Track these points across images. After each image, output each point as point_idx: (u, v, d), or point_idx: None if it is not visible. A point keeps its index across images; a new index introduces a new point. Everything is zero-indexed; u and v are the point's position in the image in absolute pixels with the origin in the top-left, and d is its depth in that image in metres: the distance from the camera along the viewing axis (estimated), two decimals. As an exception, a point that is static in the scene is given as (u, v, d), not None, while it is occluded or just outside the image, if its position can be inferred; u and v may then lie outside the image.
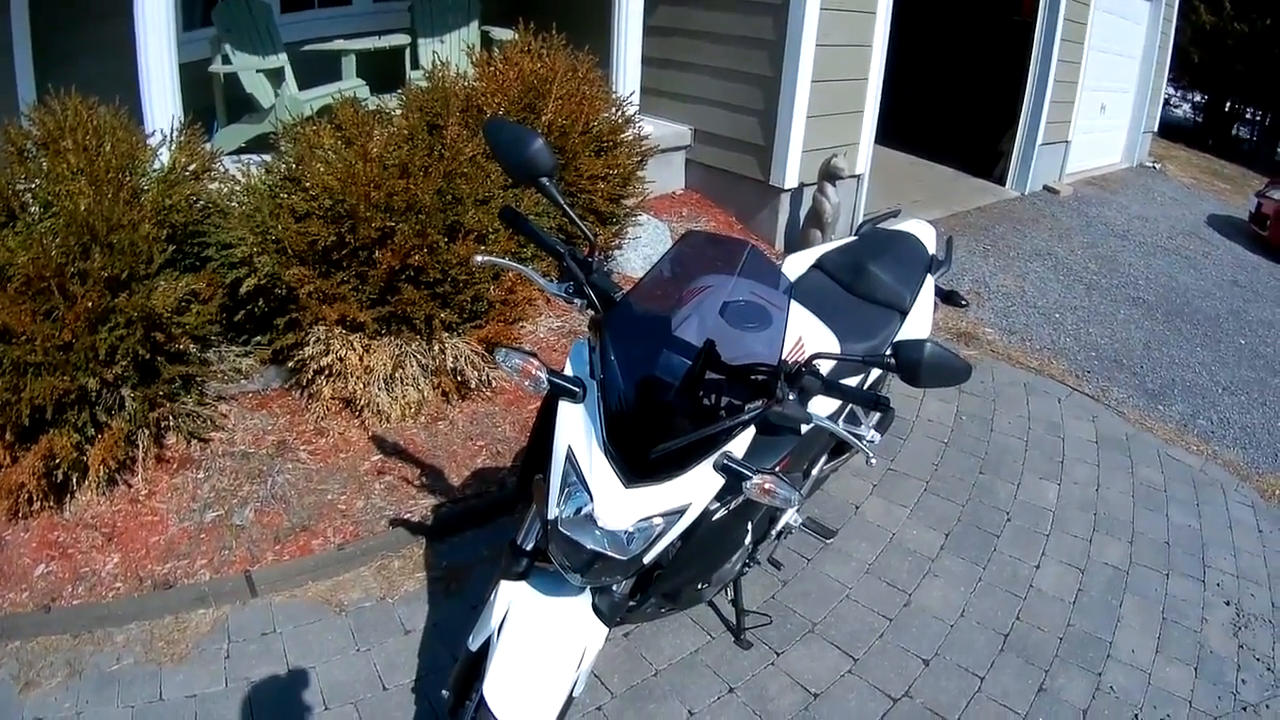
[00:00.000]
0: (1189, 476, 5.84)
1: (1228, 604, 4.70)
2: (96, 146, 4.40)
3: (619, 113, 6.67)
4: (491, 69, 6.13)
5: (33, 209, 4.17)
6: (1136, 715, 3.91)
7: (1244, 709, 4.05)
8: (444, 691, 2.96)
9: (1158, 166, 15.58)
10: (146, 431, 4.37)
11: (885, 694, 3.85)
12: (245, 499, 4.43)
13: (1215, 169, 17.87)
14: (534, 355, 2.54)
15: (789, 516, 3.75)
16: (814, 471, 3.99)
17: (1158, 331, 8.33)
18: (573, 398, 2.56)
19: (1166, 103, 19.60)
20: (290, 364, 4.95)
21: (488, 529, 4.51)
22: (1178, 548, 5.08)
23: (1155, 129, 16.00)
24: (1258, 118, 23.98)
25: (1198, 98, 25.64)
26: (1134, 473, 5.75)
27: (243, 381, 5.01)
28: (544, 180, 2.72)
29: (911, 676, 3.96)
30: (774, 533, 3.77)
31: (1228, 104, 23.86)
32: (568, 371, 2.66)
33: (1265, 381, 7.65)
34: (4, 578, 3.91)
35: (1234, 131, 24.45)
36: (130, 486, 4.37)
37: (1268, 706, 4.08)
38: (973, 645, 4.17)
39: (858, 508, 5.04)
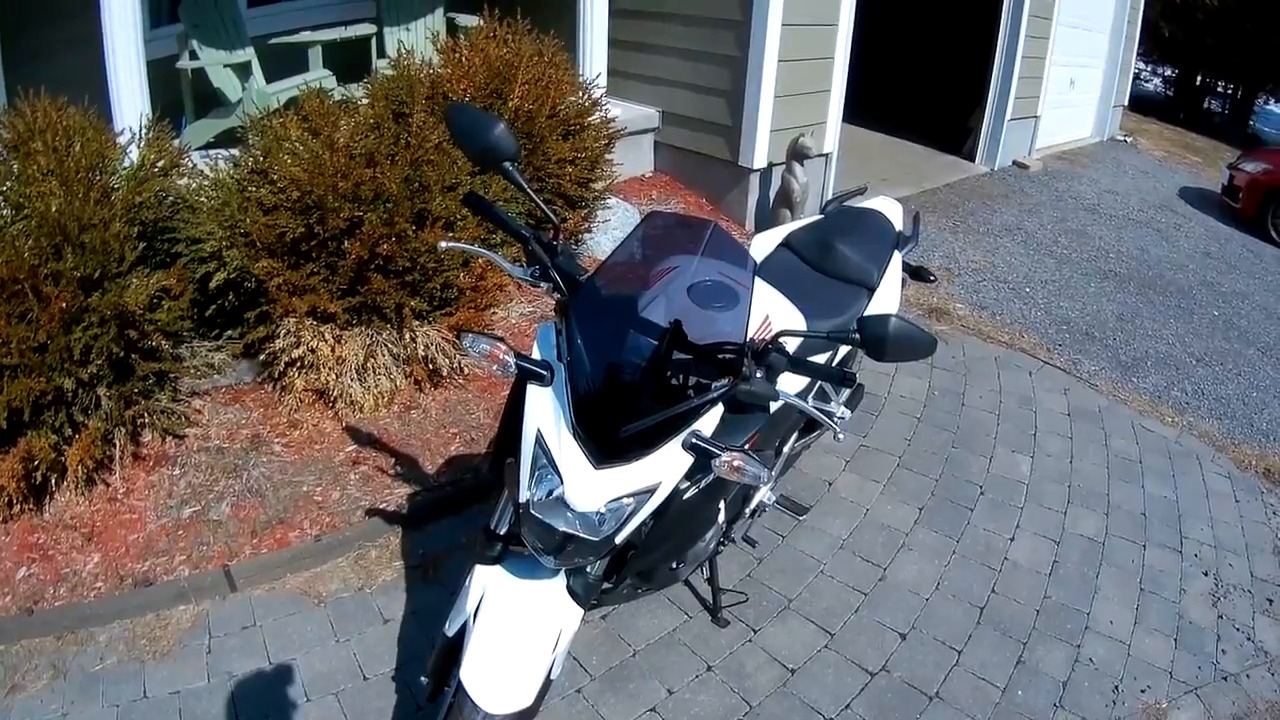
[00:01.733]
0: (1164, 448, 5.88)
1: (1206, 574, 4.74)
2: (66, 147, 4.39)
3: (586, 96, 6.66)
4: (457, 56, 6.12)
5: (4, 211, 4.16)
6: (1117, 686, 3.94)
7: (1224, 679, 4.09)
8: (423, 678, 2.98)
9: (1129, 140, 15.62)
10: (123, 430, 4.37)
11: (862, 668, 3.88)
12: (221, 494, 4.43)
13: (1187, 142, 17.91)
14: (501, 340, 2.54)
15: (762, 494, 3.77)
16: (785, 449, 4.00)
17: (1130, 304, 8.37)
18: (541, 381, 2.56)
19: (1137, 77, 19.64)
20: (262, 357, 4.95)
21: (464, 516, 4.52)
22: (1154, 519, 5.11)
23: (1125, 103, 16.04)
24: (1229, 91, 24.06)
25: (1168, 72, 25.68)
26: (1108, 445, 5.79)
27: (215, 376, 5.01)
28: (507, 165, 2.73)
29: (888, 650, 3.99)
30: (748, 511, 3.79)
31: (1199, 78, 23.91)
32: (535, 355, 2.67)
33: (1239, 352, 7.70)
34: (-15, 581, 3.91)
35: (1205, 105, 24.52)
36: (108, 485, 4.37)
37: (1248, 676, 4.12)
38: (949, 618, 4.20)
39: (831, 484, 5.07)
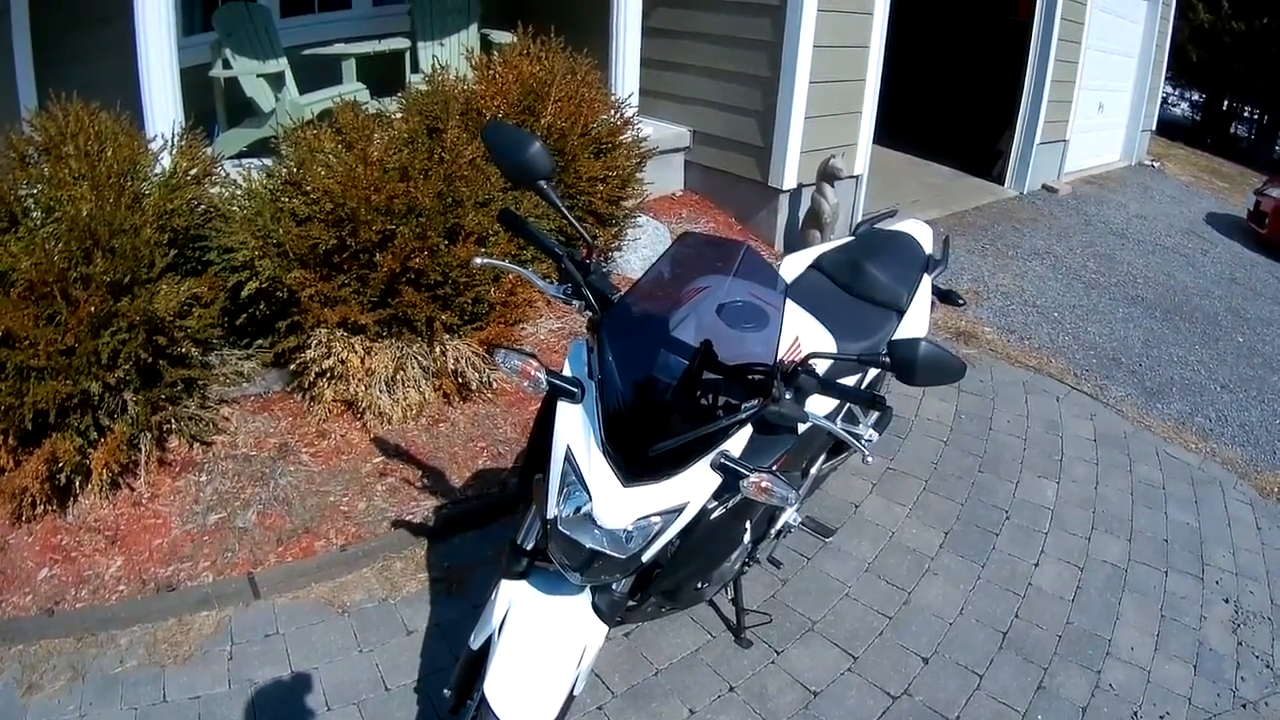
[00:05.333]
0: (1187, 474, 5.85)
1: (1226, 601, 4.71)
2: (98, 151, 4.42)
3: (618, 115, 6.68)
4: (491, 72, 6.15)
5: (35, 214, 4.19)
6: (1135, 713, 3.92)
7: (1243, 706, 4.06)
8: (445, 691, 2.99)
9: (1156, 165, 15.57)
10: (149, 435, 4.39)
11: (885, 692, 3.86)
12: (248, 501, 4.44)
13: (1214, 167, 17.83)
14: (533, 356, 2.56)
15: (788, 515, 3.76)
16: (813, 470, 4.00)
17: (1156, 330, 8.34)
18: (571, 398, 2.57)
19: (1164, 101, 19.56)
20: (292, 367, 4.97)
21: (489, 530, 4.53)
22: (1176, 545, 5.09)
23: (1153, 127, 15.98)
24: (1256, 116, 23.94)
25: (1196, 96, 25.60)
26: (1132, 470, 5.76)
27: (244, 385, 5.03)
28: (542, 183, 2.75)
29: (911, 674, 3.98)
30: (773, 532, 3.78)
31: (1226, 102, 23.82)
32: (566, 372, 2.68)
33: (1264, 379, 7.66)
34: (7, 581, 3.92)
35: (1232, 130, 24.40)
36: (133, 489, 4.39)
37: (1266, 704, 4.09)
38: (972, 643, 4.19)
39: (857, 506, 5.06)
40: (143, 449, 4.39)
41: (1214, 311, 9.19)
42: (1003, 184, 12.00)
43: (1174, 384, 7.23)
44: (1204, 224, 12.79)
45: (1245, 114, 24.49)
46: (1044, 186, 12.23)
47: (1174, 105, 26.00)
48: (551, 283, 2.96)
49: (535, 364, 2.54)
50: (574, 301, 2.85)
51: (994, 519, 5.09)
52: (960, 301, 4.83)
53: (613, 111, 6.65)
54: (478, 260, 3.00)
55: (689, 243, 3.16)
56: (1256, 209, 12.36)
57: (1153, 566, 4.88)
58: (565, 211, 2.77)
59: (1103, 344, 7.75)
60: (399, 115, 5.60)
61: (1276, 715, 4.04)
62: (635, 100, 7.74)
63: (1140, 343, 7.94)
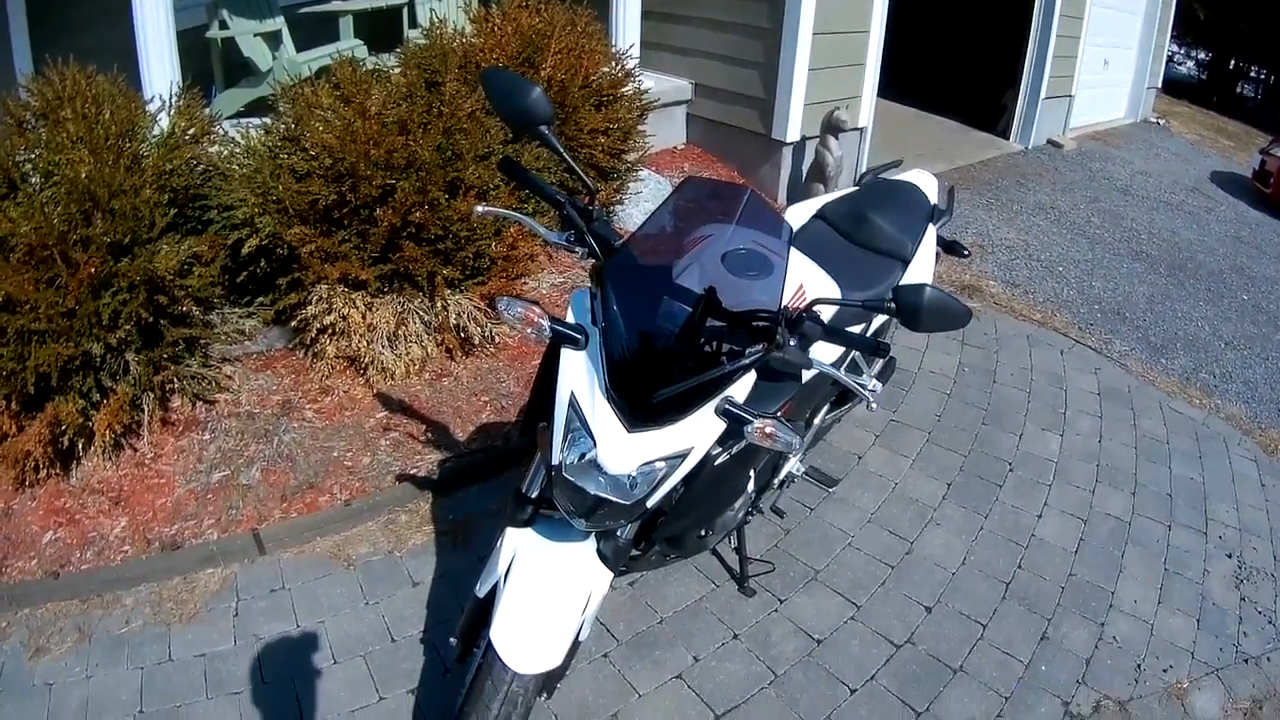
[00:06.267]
0: (1191, 429, 5.84)
1: (1230, 556, 4.72)
2: (95, 115, 4.39)
3: (619, 67, 6.63)
4: (489, 25, 6.10)
5: (33, 179, 4.17)
6: (1139, 665, 3.94)
7: (1245, 661, 4.07)
8: (451, 639, 2.99)
9: (1161, 122, 15.49)
10: (151, 395, 4.39)
11: (888, 640, 3.88)
12: (252, 459, 4.45)
13: (1219, 126, 17.74)
14: (536, 304, 2.54)
15: (792, 465, 3.77)
16: (816, 421, 3.99)
17: (1161, 286, 8.32)
18: (575, 345, 2.56)
19: (1170, 60, 19.46)
20: (293, 324, 4.97)
21: (493, 482, 4.54)
22: (1180, 500, 5.09)
23: (1159, 85, 15.90)
24: (1262, 76, 23.89)
25: (1202, 55, 25.52)
26: (1136, 425, 5.76)
27: (246, 343, 5.03)
28: (543, 128, 2.72)
29: (914, 623, 3.99)
30: (777, 481, 3.80)
31: (1232, 61, 23.74)
32: (569, 319, 2.67)
33: (1268, 337, 7.64)
34: (12, 546, 3.94)
35: (1238, 89, 24.35)
36: (136, 450, 4.40)
37: (1269, 659, 4.10)
38: (975, 593, 4.20)
39: (860, 457, 5.06)
40: (145, 409, 4.39)
41: (1219, 269, 9.16)
42: (1008, 139, 11.97)
43: (1178, 340, 7.22)
44: (1209, 182, 12.74)
45: (1251, 74, 24.44)
46: (1049, 142, 12.20)
47: (1180, 64, 25.95)
48: (554, 230, 2.94)
49: (538, 311, 2.52)
50: (577, 249, 2.83)
51: (997, 471, 5.09)
52: (965, 252, 4.79)
53: (614, 64, 6.60)
54: (478, 209, 2.98)
55: (692, 189, 3.13)
56: (1262, 168, 12.30)
57: (1156, 520, 4.89)
58: (567, 156, 2.74)
59: (1107, 299, 7.73)
60: (397, 70, 5.56)
61: (1279, 671, 4.05)
62: (636, 52, 7.70)
63: (1145, 299, 7.92)
